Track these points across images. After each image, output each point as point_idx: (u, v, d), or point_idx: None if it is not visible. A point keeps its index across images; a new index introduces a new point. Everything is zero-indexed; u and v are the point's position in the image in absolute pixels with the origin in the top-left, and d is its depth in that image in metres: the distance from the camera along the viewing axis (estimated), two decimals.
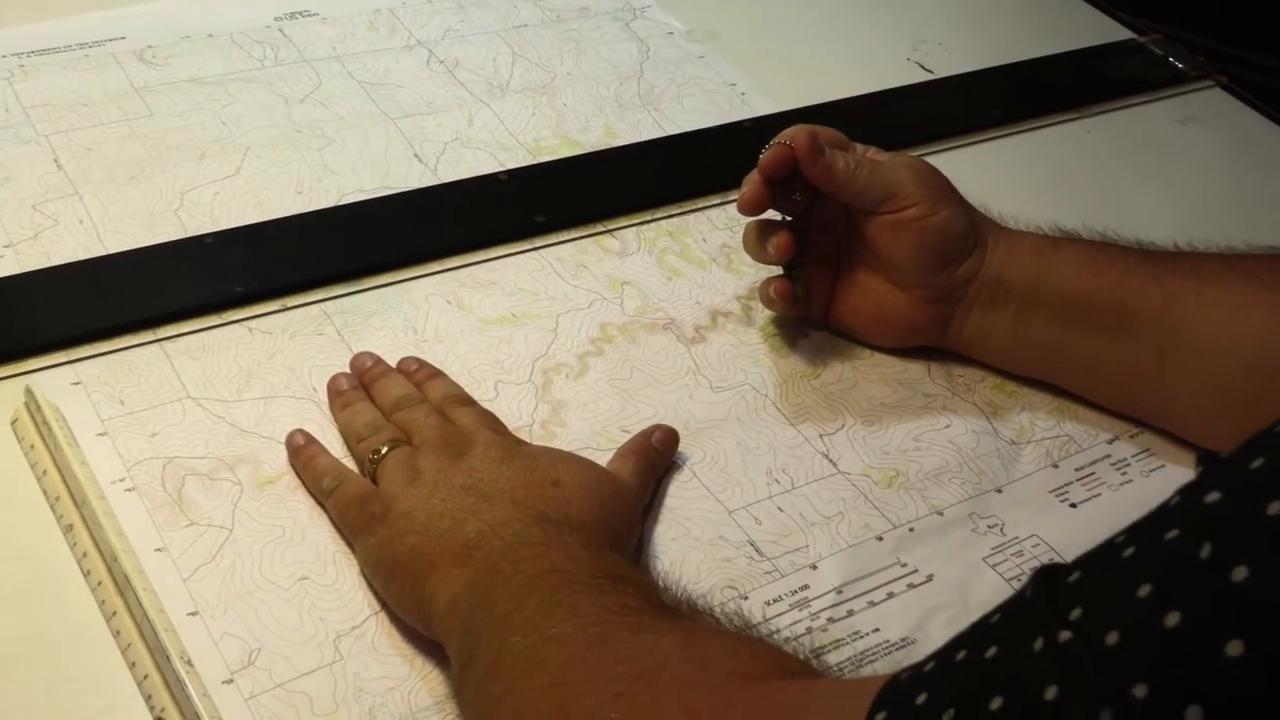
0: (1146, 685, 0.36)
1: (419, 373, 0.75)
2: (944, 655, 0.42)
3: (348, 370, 0.75)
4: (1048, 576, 0.41)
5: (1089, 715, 0.36)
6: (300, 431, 0.71)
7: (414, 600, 0.62)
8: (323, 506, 0.69)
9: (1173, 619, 0.36)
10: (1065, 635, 0.38)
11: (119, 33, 0.98)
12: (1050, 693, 0.38)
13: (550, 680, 0.53)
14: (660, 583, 0.64)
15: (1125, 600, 0.38)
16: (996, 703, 0.39)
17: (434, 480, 0.65)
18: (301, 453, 0.70)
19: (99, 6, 0.99)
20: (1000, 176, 0.96)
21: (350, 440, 0.72)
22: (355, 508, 0.67)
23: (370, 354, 0.76)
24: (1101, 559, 0.41)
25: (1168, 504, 0.41)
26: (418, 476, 0.66)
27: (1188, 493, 0.40)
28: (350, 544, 0.67)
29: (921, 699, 0.41)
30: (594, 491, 0.66)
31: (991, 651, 0.41)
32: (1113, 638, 0.37)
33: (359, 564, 0.66)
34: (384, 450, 0.69)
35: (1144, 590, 0.38)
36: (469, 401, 0.74)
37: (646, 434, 0.73)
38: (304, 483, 0.70)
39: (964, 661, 0.41)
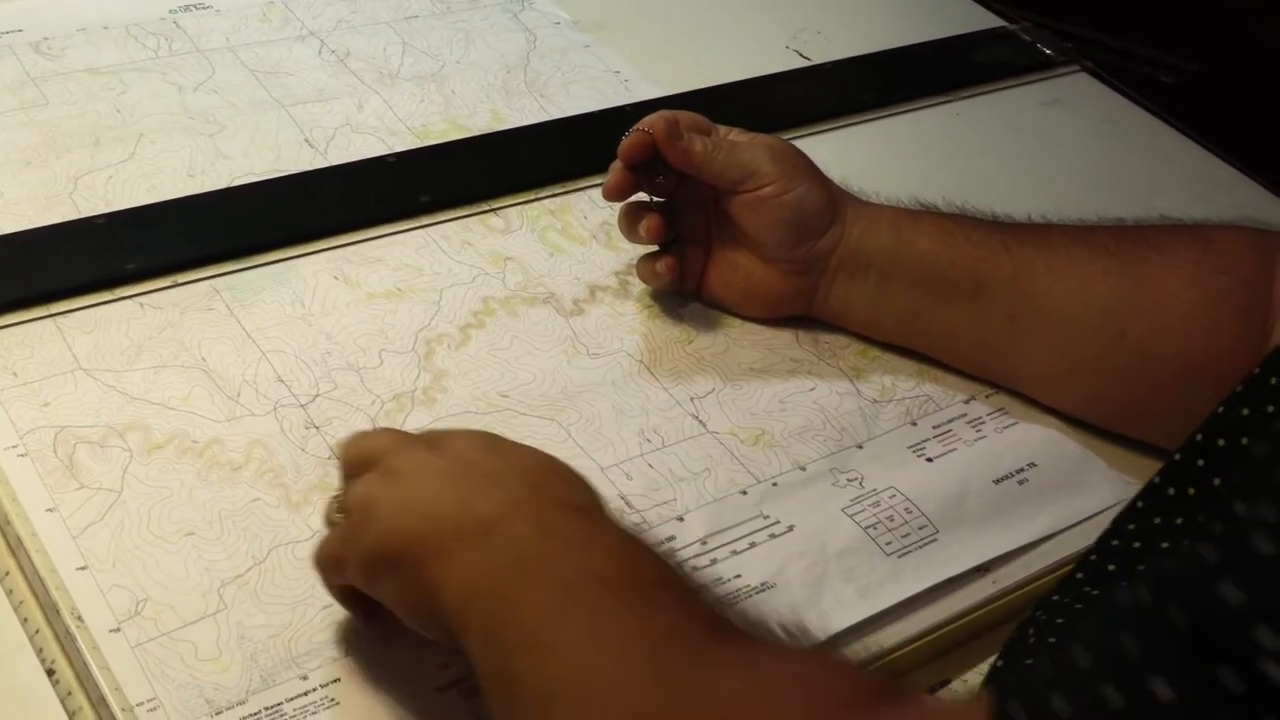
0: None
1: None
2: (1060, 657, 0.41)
3: None
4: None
5: None
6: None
7: (417, 590, 0.57)
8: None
9: None
10: None
11: (16, 25, 1.00)
12: None
13: None
14: (692, 580, 0.59)
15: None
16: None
17: (417, 470, 0.60)
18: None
19: None
20: (871, 157, 1.00)
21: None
22: (333, 537, 0.62)
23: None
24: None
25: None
26: (395, 474, 0.60)
27: None
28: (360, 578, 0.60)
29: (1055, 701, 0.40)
30: (580, 478, 0.62)
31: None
32: None
33: (359, 583, 0.60)
34: (341, 489, 0.63)
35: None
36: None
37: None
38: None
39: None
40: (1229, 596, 0.37)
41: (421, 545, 0.57)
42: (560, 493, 0.59)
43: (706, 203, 0.83)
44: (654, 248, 0.84)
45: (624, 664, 0.50)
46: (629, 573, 0.55)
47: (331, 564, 0.62)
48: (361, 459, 0.62)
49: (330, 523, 0.63)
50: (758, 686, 0.48)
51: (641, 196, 0.83)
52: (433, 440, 0.62)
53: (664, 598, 0.54)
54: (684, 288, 0.85)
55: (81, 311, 0.78)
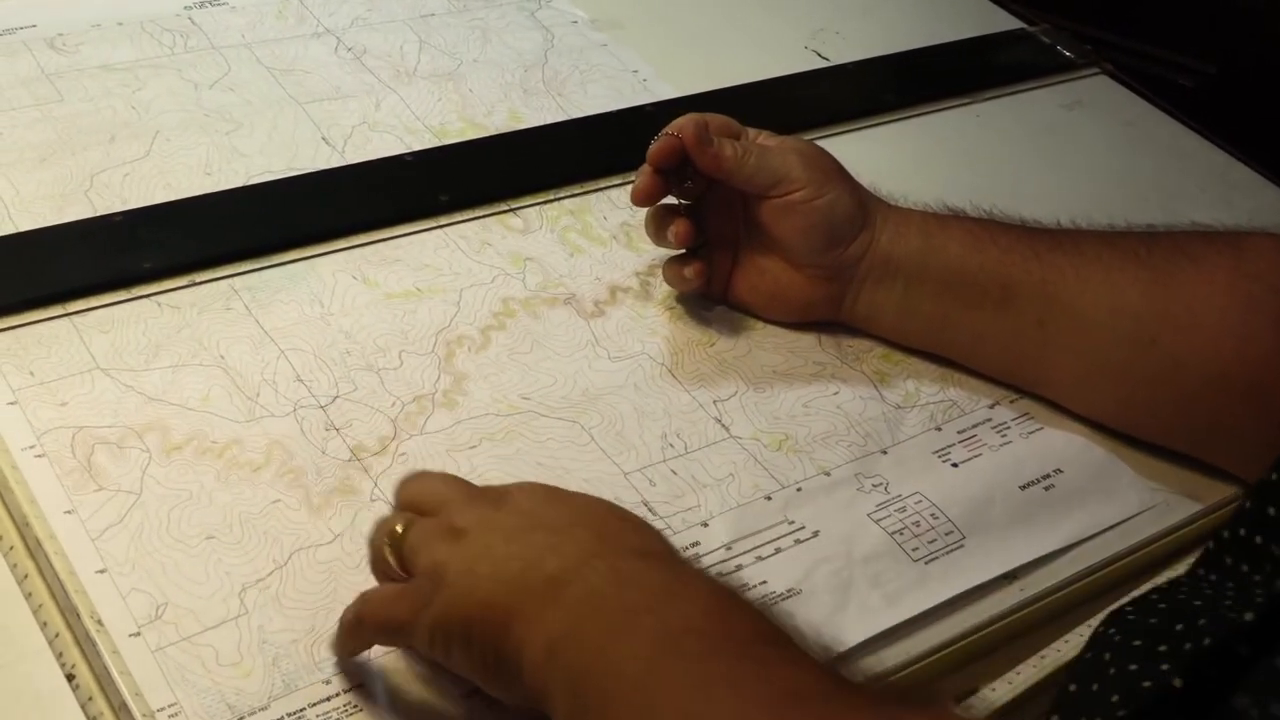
0: None
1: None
2: None
3: None
4: None
5: None
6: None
7: (497, 658, 0.56)
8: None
9: None
10: None
11: (30, 21, 0.99)
12: None
13: None
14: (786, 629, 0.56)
15: None
16: None
17: (483, 530, 0.59)
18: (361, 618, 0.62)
19: None
20: (893, 159, 0.99)
21: (371, 553, 0.64)
22: (398, 600, 0.60)
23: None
24: None
25: None
26: (461, 534, 0.59)
27: None
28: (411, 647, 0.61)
29: None
30: (643, 522, 0.62)
31: None
32: None
33: (424, 649, 0.60)
34: (400, 527, 0.61)
35: None
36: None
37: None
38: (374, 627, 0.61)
39: None
40: None
41: (494, 609, 0.56)
42: (630, 540, 0.58)
43: (735, 207, 0.83)
44: (681, 251, 0.83)
45: (744, 716, 0.49)
46: (734, 625, 0.53)
47: (394, 629, 0.60)
48: (421, 502, 0.62)
49: (377, 556, 0.62)
50: None
51: (670, 200, 0.82)
52: (494, 497, 0.61)
53: (778, 654, 0.52)
54: (709, 291, 0.84)
55: (98, 310, 0.78)
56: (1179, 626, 0.53)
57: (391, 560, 0.61)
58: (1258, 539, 0.57)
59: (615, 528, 0.59)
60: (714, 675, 0.50)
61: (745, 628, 0.53)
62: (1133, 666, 0.53)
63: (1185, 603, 0.55)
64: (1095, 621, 0.68)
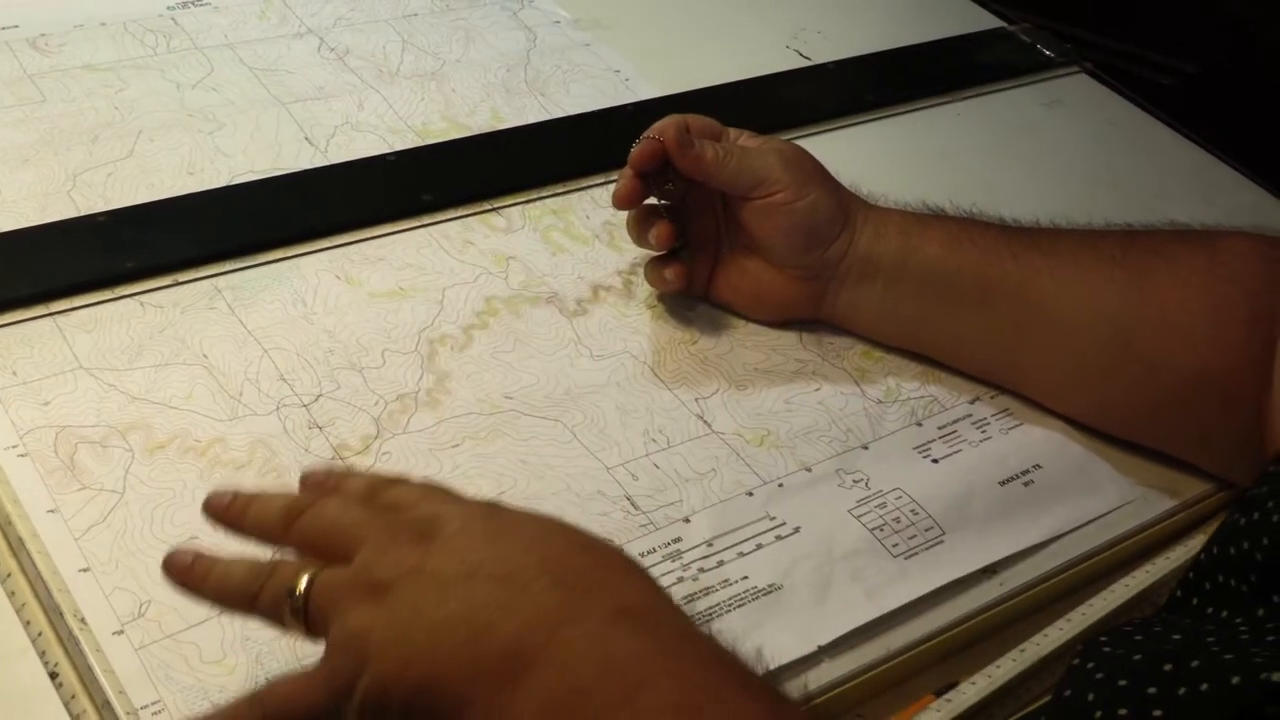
0: None
1: (324, 481, 0.58)
2: None
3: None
4: None
5: None
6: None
7: None
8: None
9: None
10: None
11: (12, 21, 0.99)
12: None
13: None
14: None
15: None
16: None
17: (411, 583, 0.49)
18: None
19: None
20: (874, 158, 1.00)
21: (237, 603, 0.54)
22: (309, 689, 0.50)
23: (227, 490, 0.57)
24: None
25: None
26: (382, 590, 0.49)
27: None
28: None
29: None
30: (614, 554, 0.53)
31: None
32: None
33: None
34: (302, 583, 0.51)
35: None
36: (400, 478, 0.57)
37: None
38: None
39: None
40: None
41: (439, 693, 0.47)
42: (604, 590, 0.49)
43: (716, 208, 0.83)
44: (663, 252, 0.83)
45: None
46: (726, 697, 0.46)
47: (314, 718, 0.50)
48: (325, 541, 0.52)
49: (275, 621, 0.52)
50: None
51: (651, 201, 0.82)
52: (420, 530, 0.51)
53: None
54: (692, 291, 0.85)
55: (81, 310, 0.78)
56: (1167, 667, 0.51)
57: (296, 628, 0.52)
58: (1221, 578, 0.57)
59: (580, 571, 0.49)
60: None
61: (741, 697, 0.47)
62: (1122, 711, 0.51)
63: (1163, 637, 0.54)
64: (1067, 620, 0.70)
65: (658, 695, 0.45)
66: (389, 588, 0.49)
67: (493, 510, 0.53)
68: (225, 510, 0.56)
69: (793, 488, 0.75)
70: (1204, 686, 0.48)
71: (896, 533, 0.72)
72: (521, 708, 0.46)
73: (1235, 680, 0.46)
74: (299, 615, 0.51)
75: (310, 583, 0.51)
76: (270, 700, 0.50)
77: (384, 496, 0.54)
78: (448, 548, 0.50)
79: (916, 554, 0.71)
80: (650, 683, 0.45)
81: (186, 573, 0.54)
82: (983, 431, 0.80)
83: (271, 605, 0.52)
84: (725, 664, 0.48)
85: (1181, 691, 0.49)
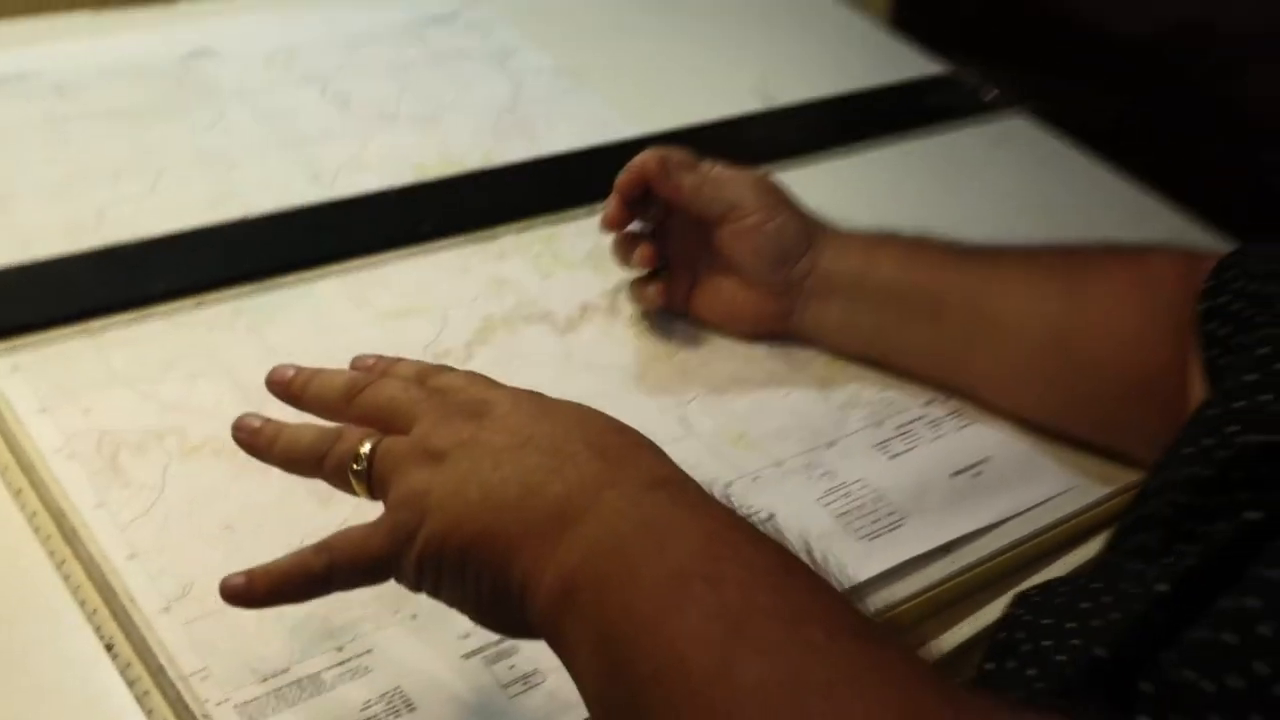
0: None
1: (376, 365, 0.64)
2: None
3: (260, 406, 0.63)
4: None
5: None
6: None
7: (494, 593, 0.53)
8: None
9: None
10: None
11: (38, 69, 1.07)
12: None
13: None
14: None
15: None
16: None
17: (466, 452, 0.54)
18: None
19: (18, 44, 1.10)
20: (833, 194, 1.06)
21: (304, 466, 0.59)
22: (372, 537, 0.55)
23: (290, 365, 0.63)
24: None
25: None
26: (440, 457, 0.54)
27: None
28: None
29: None
30: (637, 435, 0.57)
31: None
32: None
33: (410, 584, 0.56)
34: (366, 448, 0.56)
35: None
36: (446, 366, 0.62)
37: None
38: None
39: None
40: None
41: (492, 540, 0.52)
42: (639, 464, 0.54)
43: (693, 232, 0.90)
44: (645, 272, 0.92)
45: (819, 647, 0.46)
46: (751, 554, 0.50)
47: (373, 569, 0.56)
48: (385, 416, 0.57)
49: (340, 482, 0.57)
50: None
51: (634, 226, 0.90)
52: (473, 409, 0.56)
53: (815, 599, 0.50)
54: (672, 308, 0.93)
55: (116, 329, 0.85)
56: (1084, 604, 0.59)
57: (360, 490, 0.57)
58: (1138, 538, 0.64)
59: (617, 447, 0.55)
60: (755, 607, 0.47)
61: (766, 561, 0.51)
62: (1046, 643, 0.59)
63: (1084, 587, 0.61)
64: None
65: (685, 545, 0.50)
66: (446, 455, 0.54)
67: (536, 395, 0.58)
68: (288, 385, 0.62)
69: (766, 480, 0.82)
70: (1114, 615, 0.56)
71: (861, 518, 0.80)
72: (564, 556, 0.51)
73: (1140, 607, 0.54)
74: (362, 478, 0.57)
75: (373, 449, 0.56)
76: (337, 549, 0.56)
77: (434, 380, 0.60)
78: (499, 423, 0.55)
79: (880, 535, 0.79)
80: (678, 536, 0.51)
81: (255, 435, 0.61)
82: (936, 430, 0.88)
83: (336, 468, 0.58)
84: (740, 526, 0.53)
85: (1095, 623, 0.57)
